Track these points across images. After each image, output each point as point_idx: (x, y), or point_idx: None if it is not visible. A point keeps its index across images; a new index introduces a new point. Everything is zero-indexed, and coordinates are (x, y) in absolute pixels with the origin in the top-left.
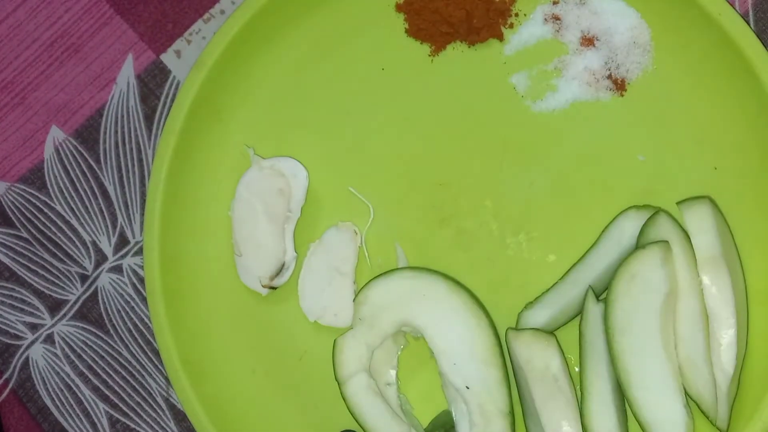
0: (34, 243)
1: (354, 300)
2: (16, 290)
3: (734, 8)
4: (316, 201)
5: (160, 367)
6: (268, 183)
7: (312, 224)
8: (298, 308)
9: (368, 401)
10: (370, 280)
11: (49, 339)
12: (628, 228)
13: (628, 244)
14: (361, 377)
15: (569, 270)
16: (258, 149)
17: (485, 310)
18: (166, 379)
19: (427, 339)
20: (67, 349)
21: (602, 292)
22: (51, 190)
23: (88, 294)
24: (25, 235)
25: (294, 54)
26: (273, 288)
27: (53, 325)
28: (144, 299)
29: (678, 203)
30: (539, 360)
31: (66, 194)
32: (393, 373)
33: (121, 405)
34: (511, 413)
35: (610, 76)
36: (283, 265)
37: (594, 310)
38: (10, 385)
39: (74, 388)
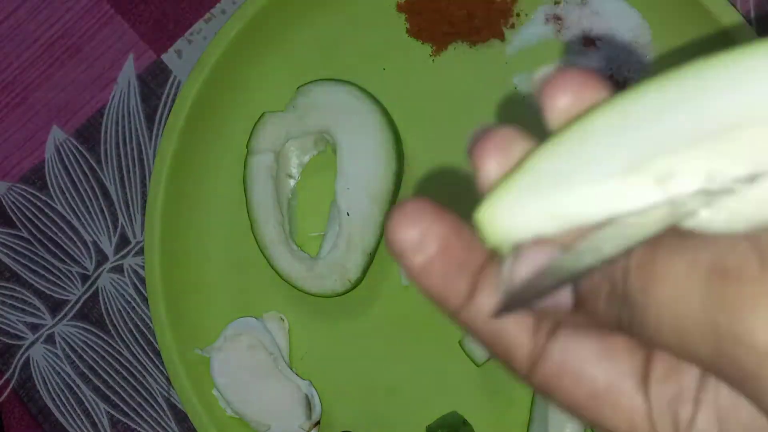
0: (34, 243)
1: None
2: (16, 290)
3: (736, 9)
4: (317, 201)
5: (161, 367)
6: (235, 351)
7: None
8: (299, 308)
9: (262, 180)
10: (322, 79)
11: (50, 339)
12: None
13: None
14: (267, 156)
15: None
16: None
17: (402, 162)
18: (167, 379)
19: (337, 155)
20: (67, 350)
21: None
22: (52, 190)
23: (88, 294)
24: (25, 235)
25: (295, 54)
26: (318, 424)
27: (54, 326)
28: (145, 299)
29: None
30: None
31: (67, 194)
32: (297, 169)
33: (122, 405)
34: (371, 255)
35: (611, 78)
36: (307, 399)
37: None
38: (11, 385)
39: (75, 389)
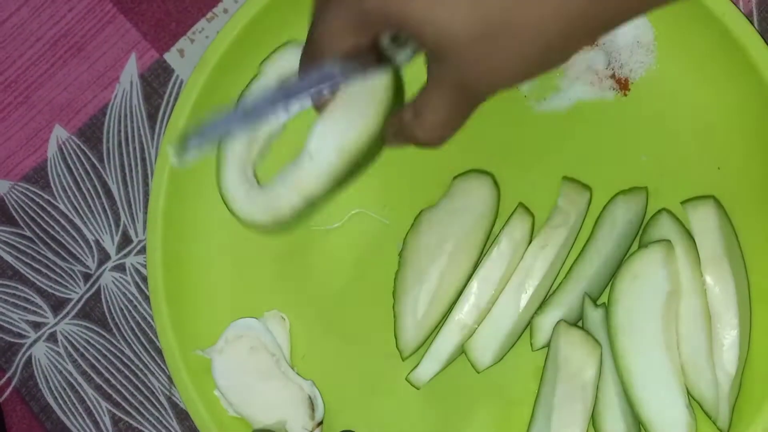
0: (37, 242)
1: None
2: (19, 289)
3: (738, 8)
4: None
5: (162, 365)
6: (236, 353)
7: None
8: (300, 308)
9: (233, 163)
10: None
11: (52, 338)
12: (619, 214)
13: (622, 230)
14: (272, 82)
15: (571, 267)
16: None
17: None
18: (169, 377)
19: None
20: (69, 348)
21: (605, 285)
22: (54, 189)
23: (91, 293)
24: (28, 233)
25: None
26: (321, 424)
27: (56, 324)
28: (147, 298)
29: (682, 203)
30: (577, 363)
31: (69, 193)
32: (259, 150)
33: (123, 404)
34: (312, 205)
35: (613, 76)
36: (310, 400)
37: (593, 315)
38: (13, 384)
39: (77, 387)
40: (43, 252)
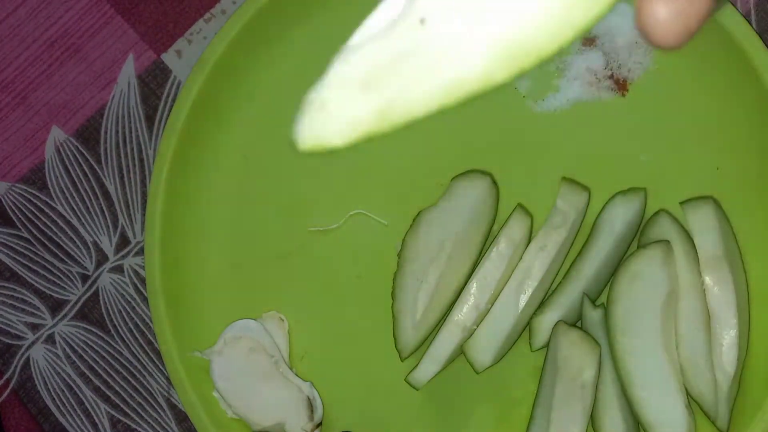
0: (34, 243)
1: None
2: (16, 290)
3: (736, 8)
4: (315, 199)
5: (161, 367)
6: (235, 355)
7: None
8: (299, 308)
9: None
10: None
11: (50, 339)
12: (619, 214)
13: (621, 231)
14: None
15: (570, 268)
16: (258, 150)
17: None
18: (168, 379)
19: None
20: (68, 350)
21: (604, 285)
22: (52, 191)
23: (89, 294)
24: (25, 235)
25: (295, 54)
26: (320, 425)
27: (54, 326)
28: (145, 299)
29: (681, 203)
30: (576, 363)
31: (67, 194)
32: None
33: (122, 405)
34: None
35: (611, 77)
36: (309, 401)
37: (592, 315)
38: (11, 386)
39: (75, 389)
40: (40, 253)
